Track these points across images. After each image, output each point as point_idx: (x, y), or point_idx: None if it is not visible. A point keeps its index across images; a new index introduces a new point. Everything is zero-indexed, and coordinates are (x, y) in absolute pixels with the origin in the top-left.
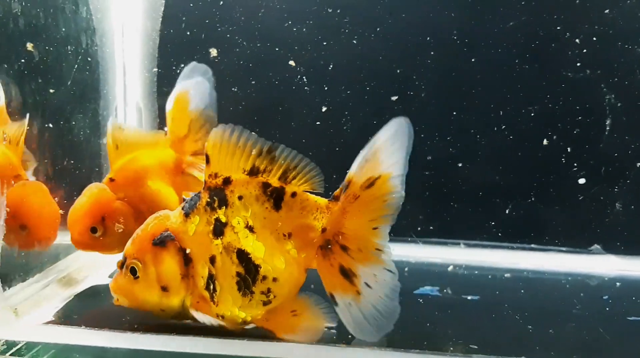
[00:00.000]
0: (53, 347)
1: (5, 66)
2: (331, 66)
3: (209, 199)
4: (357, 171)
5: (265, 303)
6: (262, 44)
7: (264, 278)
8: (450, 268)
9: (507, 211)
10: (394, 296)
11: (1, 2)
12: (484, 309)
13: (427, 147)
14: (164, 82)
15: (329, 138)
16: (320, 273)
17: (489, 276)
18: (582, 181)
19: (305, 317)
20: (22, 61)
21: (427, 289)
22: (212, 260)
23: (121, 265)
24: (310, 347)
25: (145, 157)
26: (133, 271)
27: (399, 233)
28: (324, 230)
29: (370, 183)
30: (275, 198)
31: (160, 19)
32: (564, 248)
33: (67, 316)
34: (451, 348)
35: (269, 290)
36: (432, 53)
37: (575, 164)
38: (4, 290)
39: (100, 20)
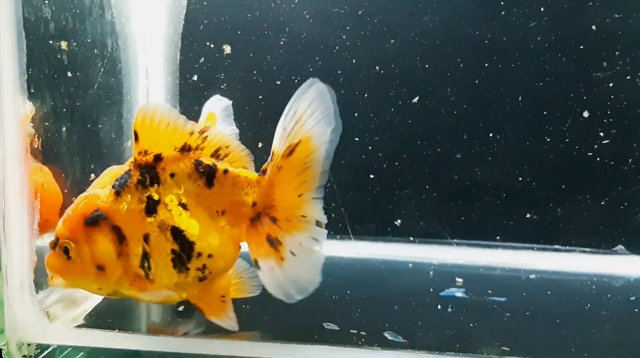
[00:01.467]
0: (84, 349)
1: (31, 70)
2: (353, 67)
3: (140, 177)
4: (277, 142)
5: (201, 279)
6: (283, 46)
7: (199, 254)
8: (459, 280)
9: (530, 212)
10: (317, 264)
11: (32, 6)
12: (512, 311)
13: (451, 149)
14: (185, 85)
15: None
16: (247, 241)
17: (514, 278)
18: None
19: (230, 304)
20: (51, 65)
21: (453, 290)
22: (146, 238)
23: (53, 245)
24: (333, 349)
25: None
26: (66, 251)
27: (425, 234)
28: (254, 204)
29: (291, 151)
30: (208, 175)
31: (182, 23)
32: (587, 249)
33: (98, 319)
34: (484, 351)
35: (204, 266)
36: (456, 54)
37: (599, 165)
38: (37, 292)
39: (124, 24)
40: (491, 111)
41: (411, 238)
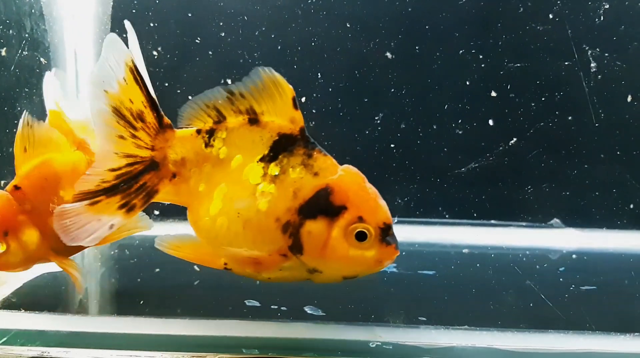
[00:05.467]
0: (8, 333)
1: None
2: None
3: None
4: None
5: None
6: (224, 30)
7: None
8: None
9: (467, 188)
10: None
11: None
12: (437, 284)
13: (390, 129)
14: None
15: None
16: None
17: (447, 253)
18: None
19: None
20: None
21: None
22: None
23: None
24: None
25: (57, 162)
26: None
27: None
28: None
29: None
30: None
31: (112, 4)
32: (524, 223)
33: (19, 302)
34: (390, 320)
35: None
36: (391, 35)
37: (533, 139)
38: None
39: (47, 4)
40: (425, 93)
41: None
